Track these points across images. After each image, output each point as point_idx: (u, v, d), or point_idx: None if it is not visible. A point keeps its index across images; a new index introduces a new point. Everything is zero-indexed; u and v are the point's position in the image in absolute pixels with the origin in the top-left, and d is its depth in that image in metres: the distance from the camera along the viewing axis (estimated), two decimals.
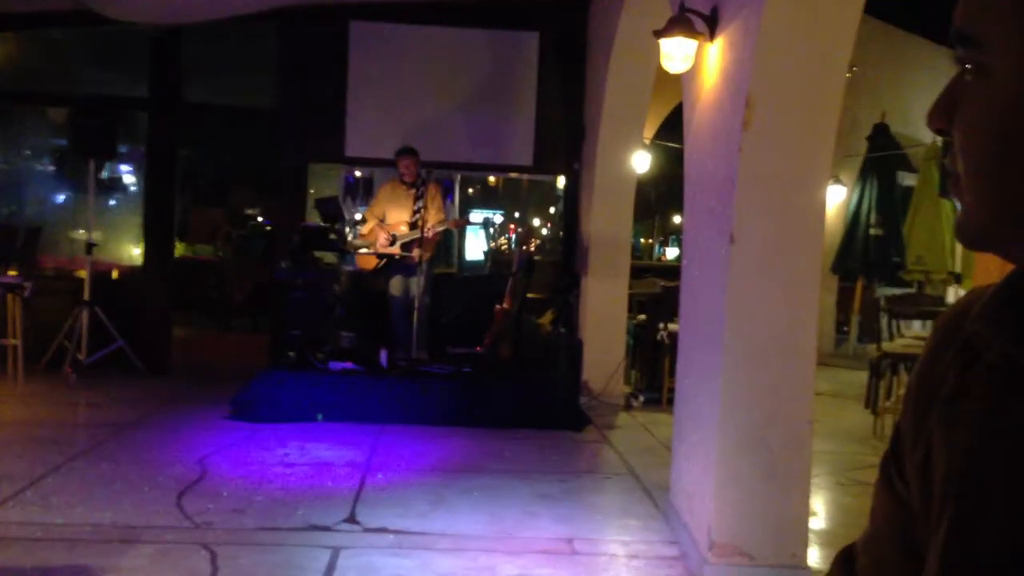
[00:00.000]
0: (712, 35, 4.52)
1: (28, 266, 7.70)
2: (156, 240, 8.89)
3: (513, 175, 10.93)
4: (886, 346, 7.39)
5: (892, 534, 0.81)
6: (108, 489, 5.03)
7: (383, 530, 4.58)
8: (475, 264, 12.28)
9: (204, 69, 8.83)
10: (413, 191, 7.81)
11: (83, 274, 8.11)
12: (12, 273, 7.12)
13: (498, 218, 16.86)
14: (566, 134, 8.93)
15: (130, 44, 8.78)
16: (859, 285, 10.84)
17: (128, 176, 9.72)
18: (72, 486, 5.07)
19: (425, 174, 7.85)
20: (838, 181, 10.24)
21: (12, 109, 9.53)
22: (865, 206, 10.38)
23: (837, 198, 10.60)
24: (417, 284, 7.67)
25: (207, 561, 4.04)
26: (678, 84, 5.10)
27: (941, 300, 8.33)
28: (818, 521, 5.06)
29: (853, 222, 10.51)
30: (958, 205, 0.70)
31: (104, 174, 8.59)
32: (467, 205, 12.33)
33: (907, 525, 0.78)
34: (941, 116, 0.70)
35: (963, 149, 0.68)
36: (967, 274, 9.50)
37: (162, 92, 8.82)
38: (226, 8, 8.03)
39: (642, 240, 25.04)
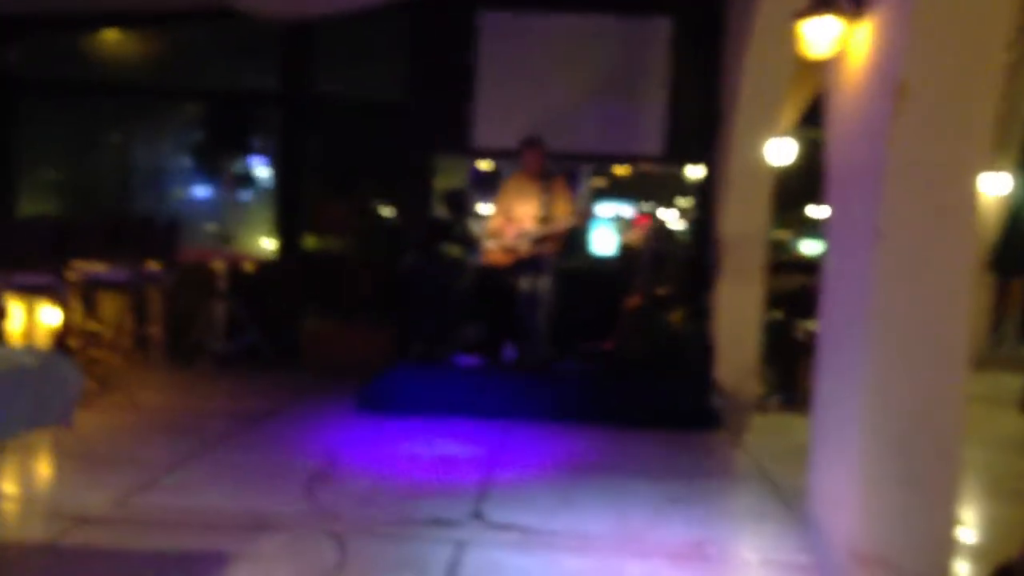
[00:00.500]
0: (860, 16, 4.27)
1: (167, 257, 7.95)
2: (287, 233, 9.09)
3: (644, 167, 10.70)
4: None
5: None
6: (242, 477, 5.15)
7: (508, 527, 4.52)
8: (604, 258, 12.12)
9: (334, 62, 8.98)
10: (539, 183, 7.59)
11: (219, 266, 8.34)
12: (152, 265, 7.37)
13: (627, 211, 16.62)
14: (700, 122, 8.66)
15: (262, 38, 8.98)
16: (1018, 283, 10.20)
17: (261, 170, 9.97)
18: (208, 473, 5.21)
19: (552, 166, 7.66)
20: (999, 171, 9.61)
21: (150, 104, 9.89)
22: None
23: (998, 189, 9.95)
24: (544, 279, 7.51)
25: (335, 550, 4.08)
26: (816, 72, 4.85)
27: None
28: (968, 533, 4.75)
29: (1014, 215, 9.86)
30: None
31: (238, 168, 8.82)
32: (595, 197, 12.15)
33: None
34: None
35: None
36: None
37: (293, 86, 9.00)
38: (356, 1, 8.10)
39: (778, 233, 24.32)
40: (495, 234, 7.79)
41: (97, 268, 6.67)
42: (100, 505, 4.54)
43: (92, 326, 7.01)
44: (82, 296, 6.62)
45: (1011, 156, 9.88)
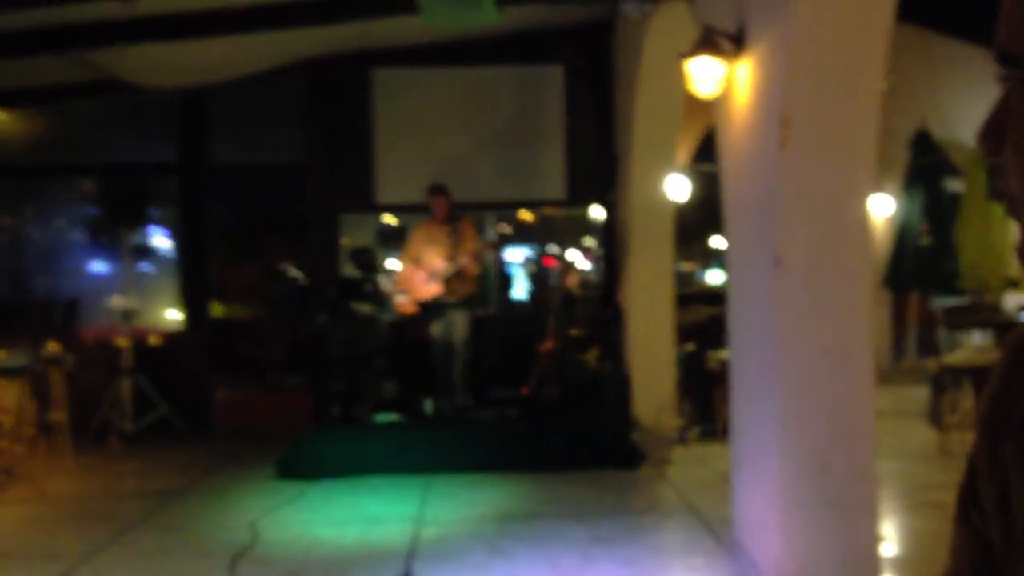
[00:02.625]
0: (740, 54, 4.43)
1: (68, 338, 7.72)
2: (192, 303, 8.94)
3: (547, 210, 10.85)
4: (947, 359, 7.15)
5: (974, 574, 0.77)
6: (162, 560, 4.99)
7: None
8: (514, 303, 12.19)
9: (230, 127, 8.93)
10: (447, 228, 7.65)
11: (123, 342, 8.13)
12: (53, 347, 7.15)
13: (534, 255, 16.75)
14: (599, 164, 8.84)
15: (156, 109, 8.91)
16: (913, 297, 10.57)
17: (161, 240, 9.80)
18: (126, 560, 5.02)
19: (458, 212, 7.74)
20: (882, 192, 10.01)
21: (44, 182, 9.67)
22: (914, 215, 10.13)
23: (885, 210, 10.36)
24: (458, 319, 7.51)
25: None
26: (709, 106, 5.00)
27: (999, 308, 8.06)
28: (890, 547, 4.86)
29: (902, 233, 10.26)
30: (1016, 227, 0.67)
31: (138, 240, 8.66)
32: (501, 244, 12.25)
33: (989, 564, 0.75)
34: (991, 136, 0.68)
35: (1019, 168, 0.66)
36: None
37: (190, 154, 8.93)
38: (252, 65, 8.10)
39: (682, 266, 24.79)
40: (404, 282, 7.78)
41: None
42: None
43: None
44: None
45: (894, 177, 10.30)
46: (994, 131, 0.68)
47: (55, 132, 9.16)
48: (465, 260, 7.51)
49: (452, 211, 7.74)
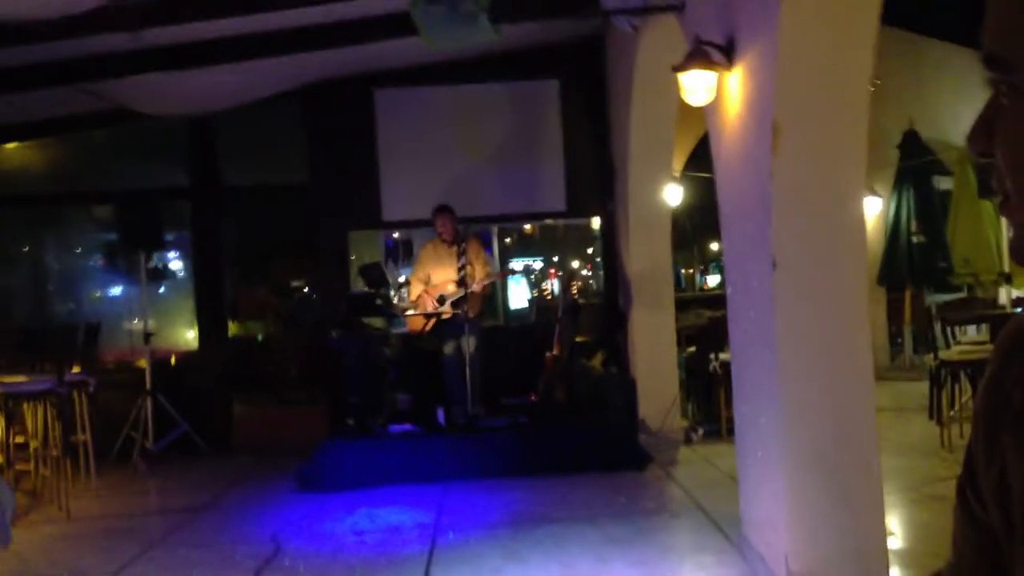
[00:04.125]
0: (730, 65, 4.57)
1: (90, 362, 7.89)
2: (209, 322, 9.11)
3: (549, 221, 11.02)
4: (943, 354, 7.29)
5: (976, 561, 0.78)
6: (188, 574, 5.10)
7: None
8: (520, 313, 12.34)
9: (239, 150, 9.10)
10: (455, 248, 7.78)
11: (143, 364, 8.31)
12: (76, 370, 7.30)
13: (538, 265, 16.93)
14: (597, 175, 9.02)
15: (166, 135, 9.09)
16: (908, 294, 10.71)
17: (176, 263, 9.99)
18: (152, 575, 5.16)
19: (463, 230, 7.88)
20: (874, 192, 10.18)
21: (61, 210, 9.86)
22: (904, 214, 10.31)
23: (875, 209, 10.55)
24: (468, 341, 7.67)
25: None
26: (702, 114, 5.14)
27: (994, 302, 8.21)
28: (896, 541, 4.97)
29: (894, 231, 10.42)
30: (1008, 226, 0.71)
31: (154, 264, 8.84)
32: (506, 255, 12.42)
33: (991, 550, 0.76)
34: (981, 139, 0.70)
35: (1010, 168, 0.68)
36: (1017, 273, 9.37)
37: (201, 178, 9.10)
38: (254, 91, 8.28)
39: (683, 271, 24.95)
40: (416, 303, 7.96)
41: (18, 380, 6.58)
42: None
43: (18, 439, 6.89)
44: (4, 410, 6.52)
45: (885, 177, 10.47)
46: (983, 133, 0.69)
47: (70, 161, 9.34)
48: (477, 288, 7.67)
49: (458, 230, 7.90)
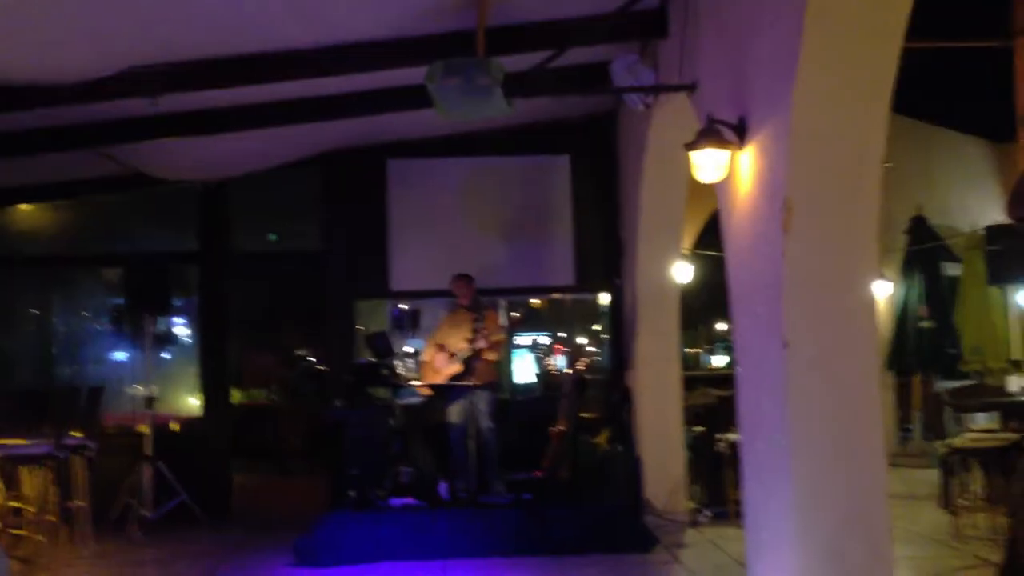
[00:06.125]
0: (742, 143, 4.60)
1: (91, 426, 7.81)
2: (212, 389, 9.05)
3: (556, 295, 11.03)
4: (954, 441, 7.19)
5: None
6: None
7: None
8: (526, 387, 12.28)
9: (250, 216, 9.16)
10: (472, 315, 7.82)
11: (144, 429, 8.23)
12: (76, 434, 7.23)
13: (544, 339, 16.88)
14: (605, 250, 9.04)
15: (178, 199, 9.15)
16: (916, 380, 10.63)
17: (182, 328, 9.97)
18: None
19: (482, 299, 7.93)
20: (882, 276, 10.19)
21: (70, 273, 9.89)
22: (913, 299, 10.31)
23: (884, 293, 10.54)
24: (478, 408, 7.63)
25: None
26: (712, 192, 5.15)
27: (1003, 390, 8.13)
28: None
29: (903, 316, 10.41)
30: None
31: (159, 327, 8.82)
32: (512, 329, 12.39)
33: None
34: (1019, 205, 0.71)
35: None
36: None
37: (211, 243, 9.13)
38: (269, 158, 8.37)
39: (688, 349, 24.86)
40: (427, 364, 7.96)
41: (18, 443, 6.52)
42: None
43: (14, 503, 6.79)
44: (2, 473, 6.44)
45: (893, 262, 10.49)
46: (1020, 200, 0.77)
47: (81, 224, 9.41)
48: (482, 343, 7.65)
49: (477, 298, 7.95)
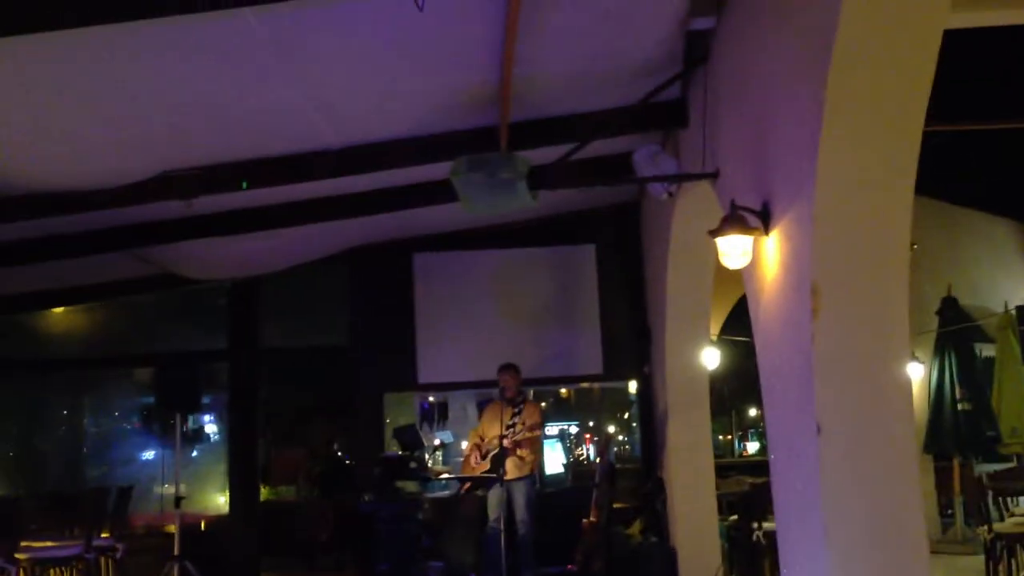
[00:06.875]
0: (767, 229, 4.61)
1: (120, 526, 7.78)
2: (241, 486, 9.02)
3: (585, 385, 10.98)
4: (998, 527, 7.00)
5: None
6: None
7: None
8: (556, 478, 12.12)
9: (279, 312, 9.26)
10: (512, 408, 7.81)
11: (172, 529, 8.18)
12: (105, 535, 7.20)
13: (574, 429, 16.74)
14: (633, 338, 9.02)
15: (208, 298, 9.28)
16: (956, 463, 10.41)
17: (211, 425, 10.00)
18: None
19: (525, 389, 7.90)
20: (915, 358, 10.07)
21: (101, 374, 9.99)
22: (948, 381, 10.15)
23: (917, 375, 10.39)
24: (515, 502, 7.54)
25: None
26: (739, 277, 5.14)
27: None
28: None
29: (938, 398, 10.24)
30: None
31: (189, 426, 8.85)
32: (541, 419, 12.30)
33: None
34: None
35: None
36: None
37: (241, 340, 9.22)
38: (300, 255, 8.48)
39: (720, 437, 24.56)
40: (464, 460, 7.96)
41: (46, 545, 6.50)
42: None
43: None
44: None
45: (924, 343, 10.37)
46: None
47: (111, 324, 9.54)
48: (508, 444, 7.58)
49: (521, 389, 7.94)
